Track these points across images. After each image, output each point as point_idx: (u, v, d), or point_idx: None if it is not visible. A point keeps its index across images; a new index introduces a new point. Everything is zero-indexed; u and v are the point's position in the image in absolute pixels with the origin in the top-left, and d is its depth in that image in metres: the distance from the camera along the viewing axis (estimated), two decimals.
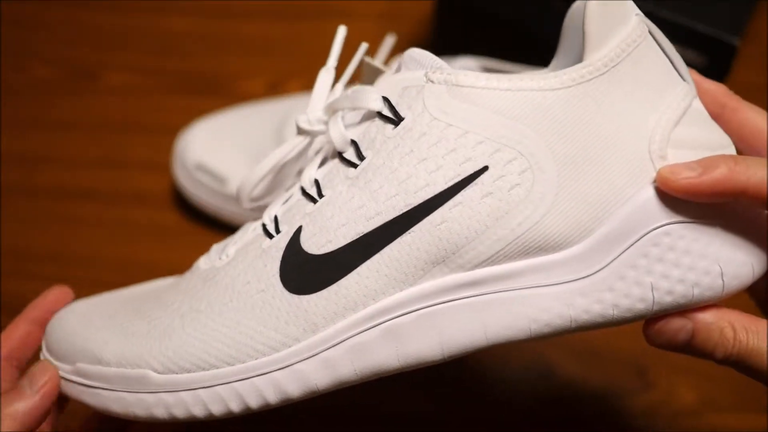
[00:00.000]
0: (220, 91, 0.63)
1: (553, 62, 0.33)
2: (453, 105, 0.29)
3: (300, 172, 0.34)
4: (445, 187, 0.29)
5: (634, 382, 0.48)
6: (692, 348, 0.29)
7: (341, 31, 0.33)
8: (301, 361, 0.30)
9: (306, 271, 0.30)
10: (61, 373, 0.33)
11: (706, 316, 0.29)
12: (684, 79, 0.30)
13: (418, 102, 0.29)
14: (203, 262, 0.34)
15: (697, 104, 0.30)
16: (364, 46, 0.33)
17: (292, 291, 0.30)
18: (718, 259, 0.28)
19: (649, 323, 0.30)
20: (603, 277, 0.29)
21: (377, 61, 0.35)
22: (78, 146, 0.60)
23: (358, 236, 0.30)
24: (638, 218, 0.28)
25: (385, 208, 0.29)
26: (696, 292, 0.28)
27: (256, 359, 0.31)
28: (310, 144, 0.33)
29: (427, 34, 0.65)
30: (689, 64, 0.31)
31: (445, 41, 0.61)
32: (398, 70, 0.32)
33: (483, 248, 0.29)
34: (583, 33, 0.29)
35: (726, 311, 0.29)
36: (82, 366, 0.33)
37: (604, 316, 0.29)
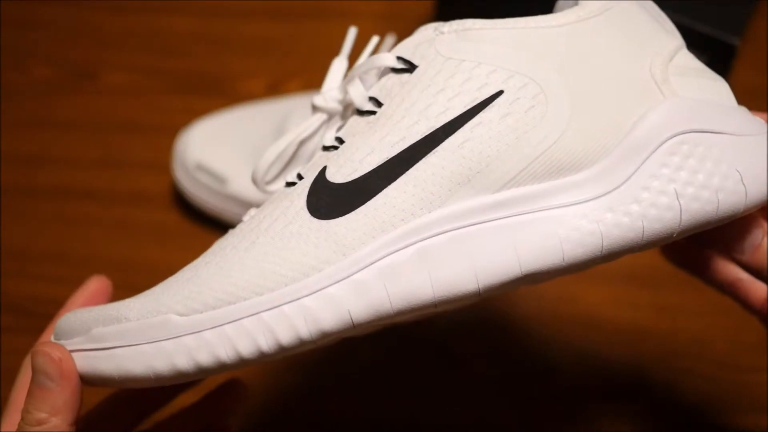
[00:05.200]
0: (220, 91, 0.63)
1: None
2: (464, 45, 0.31)
3: (310, 157, 0.35)
4: (464, 110, 0.30)
5: (633, 382, 0.48)
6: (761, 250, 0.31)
7: (353, 32, 0.35)
8: (332, 284, 0.29)
9: (333, 198, 0.31)
10: (70, 347, 0.31)
11: None
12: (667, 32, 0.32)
13: (431, 51, 0.31)
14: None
15: (685, 49, 0.32)
16: (375, 39, 0.34)
17: (320, 218, 0.30)
18: (736, 165, 0.29)
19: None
20: (627, 189, 0.30)
21: None
22: (78, 146, 0.60)
23: (383, 161, 0.30)
24: (652, 130, 0.30)
25: (409, 133, 0.30)
26: (721, 197, 0.29)
27: (285, 285, 0.29)
28: (326, 122, 0.34)
29: None
30: None
31: None
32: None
33: (507, 167, 0.30)
34: None
35: None
36: (98, 330, 0.30)
37: (634, 229, 0.29)
